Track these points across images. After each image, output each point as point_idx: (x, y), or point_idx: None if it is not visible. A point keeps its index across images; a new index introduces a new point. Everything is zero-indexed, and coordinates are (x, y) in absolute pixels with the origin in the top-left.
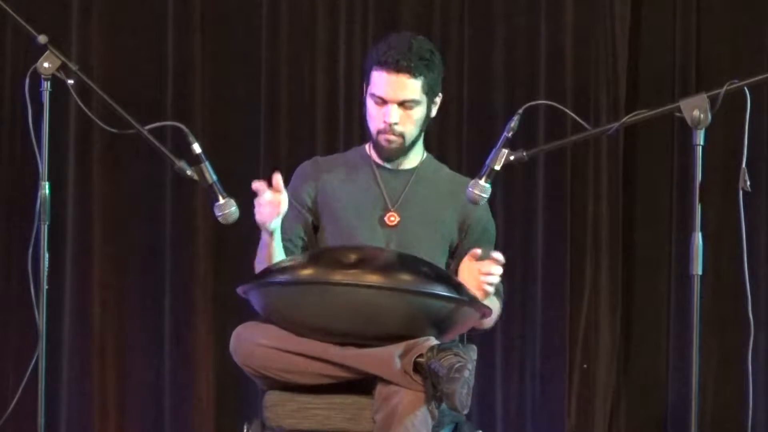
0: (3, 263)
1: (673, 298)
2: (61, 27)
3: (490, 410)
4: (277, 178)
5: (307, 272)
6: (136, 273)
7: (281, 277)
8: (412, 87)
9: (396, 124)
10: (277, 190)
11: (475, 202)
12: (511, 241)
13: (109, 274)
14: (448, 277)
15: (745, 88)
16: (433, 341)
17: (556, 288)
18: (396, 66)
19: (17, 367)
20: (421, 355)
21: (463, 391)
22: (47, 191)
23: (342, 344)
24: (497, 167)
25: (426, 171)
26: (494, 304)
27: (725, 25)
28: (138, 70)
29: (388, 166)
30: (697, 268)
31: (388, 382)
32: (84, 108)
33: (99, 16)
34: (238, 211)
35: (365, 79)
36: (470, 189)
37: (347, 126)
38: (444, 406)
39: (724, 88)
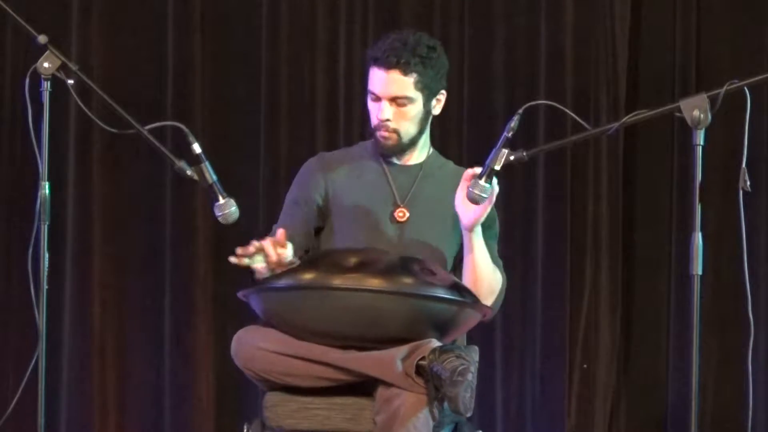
0: (3, 263)
1: (673, 298)
2: (61, 27)
3: (490, 410)
4: (281, 234)
5: (307, 276)
6: (136, 273)
7: (281, 282)
8: (403, 83)
9: (389, 120)
10: (279, 245)
11: (475, 202)
12: (511, 241)
13: (109, 274)
14: (449, 279)
15: (745, 88)
16: (435, 343)
17: (556, 288)
18: (387, 62)
19: (17, 367)
20: (423, 358)
21: (466, 394)
22: (47, 191)
23: (343, 347)
24: (497, 167)
25: (432, 166)
26: (495, 276)
27: (725, 25)
28: (138, 70)
29: (395, 161)
30: (697, 268)
31: (389, 384)
32: (84, 108)
33: (99, 16)
34: (238, 211)
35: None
36: (470, 189)
37: (347, 126)
38: (446, 407)
39: (724, 88)
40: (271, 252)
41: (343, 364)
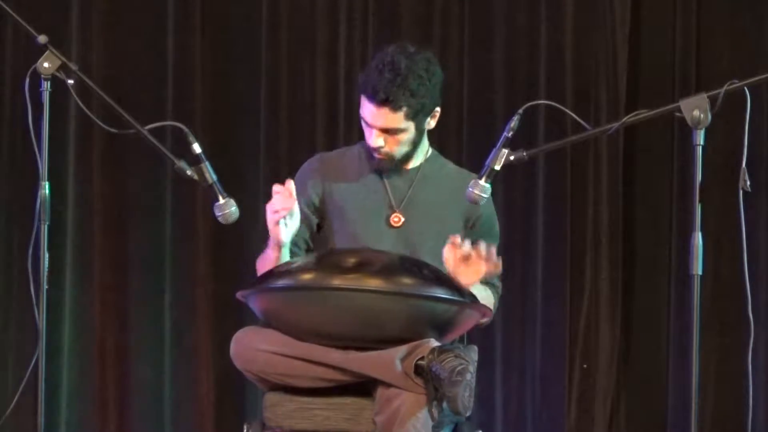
0: (3, 263)
1: (673, 298)
2: (61, 27)
3: (490, 410)
4: (290, 185)
5: (307, 277)
6: (136, 273)
7: (281, 283)
8: (393, 118)
9: (381, 147)
10: (289, 196)
11: (475, 202)
12: (511, 241)
13: (109, 274)
14: (448, 280)
15: (745, 88)
16: (434, 343)
17: (556, 288)
18: (376, 98)
19: (17, 367)
20: (422, 358)
21: (465, 394)
22: (47, 191)
23: (343, 348)
24: (497, 167)
25: (430, 169)
26: (486, 297)
27: (725, 25)
28: (138, 70)
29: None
30: (697, 268)
31: (389, 385)
32: (84, 108)
33: (99, 16)
34: (238, 210)
35: (359, 84)
36: (470, 189)
37: (347, 126)
38: (445, 407)
39: (724, 88)
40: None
41: (343, 365)
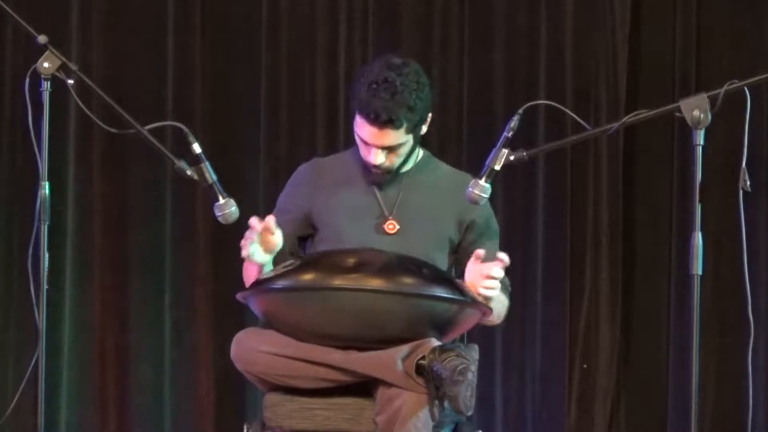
0: (3, 263)
1: (673, 298)
2: (61, 27)
3: (490, 410)
4: (269, 221)
5: (307, 277)
6: (136, 273)
7: (281, 283)
8: (395, 136)
9: (382, 163)
10: (268, 231)
11: (475, 202)
12: (511, 241)
13: (109, 274)
14: (448, 279)
15: (745, 88)
16: (435, 343)
17: (556, 288)
18: (378, 121)
19: (17, 367)
20: (423, 357)
21: (467, 393)
22: (47, 191)
23: (344, 348)
24: (497, 167)
25: (422, 172)
26: (501, 300)
27: (725, 25)
28: (138, 70)
29: None
30: (697, 268)
31: (390, 384)
32: (84, 108)
33: (99, 16)
34: (238, 211)
35: (353, 103)
36: (470, 189)
37: (347, 126)
38: (446, 407)
39: (724, 88)
40: (256, 225)
41: (344, 365)
